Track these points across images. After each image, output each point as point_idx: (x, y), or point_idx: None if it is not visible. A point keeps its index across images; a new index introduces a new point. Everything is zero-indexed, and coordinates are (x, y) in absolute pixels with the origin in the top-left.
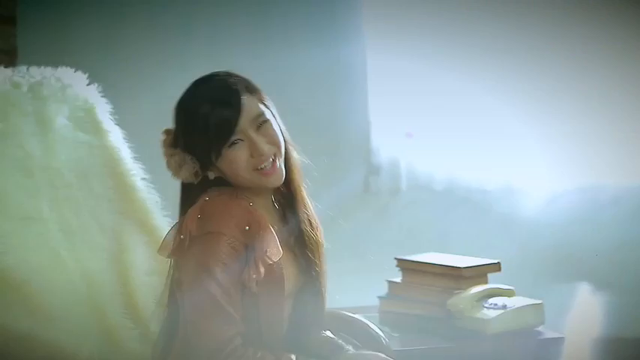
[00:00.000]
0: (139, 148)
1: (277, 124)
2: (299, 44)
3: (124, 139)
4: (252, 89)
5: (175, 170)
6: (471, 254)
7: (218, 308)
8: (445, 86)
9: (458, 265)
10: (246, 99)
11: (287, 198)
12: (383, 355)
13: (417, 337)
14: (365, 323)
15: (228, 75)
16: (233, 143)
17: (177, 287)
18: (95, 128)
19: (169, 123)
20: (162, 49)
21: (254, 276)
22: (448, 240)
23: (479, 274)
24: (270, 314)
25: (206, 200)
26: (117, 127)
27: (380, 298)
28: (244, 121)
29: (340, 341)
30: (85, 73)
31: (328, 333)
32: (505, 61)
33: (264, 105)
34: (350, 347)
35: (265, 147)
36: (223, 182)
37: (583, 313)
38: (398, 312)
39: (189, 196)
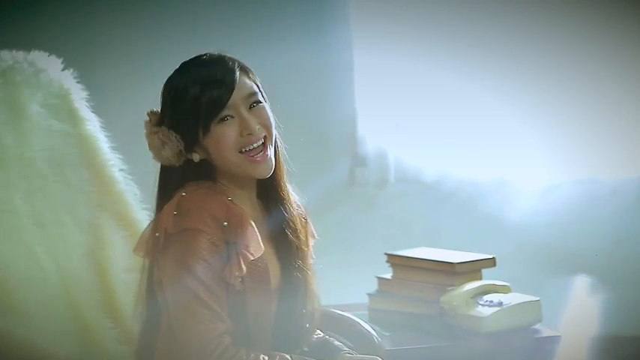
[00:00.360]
0: (116, 137)
1: (268, 109)
2: (285, 33)
3: (101, 127)
4: (246, 69)
5: (157, 149)
6: (463, 249)
7: (202, 306)
8: (434, 79)
9: (451, 261)
10: (239, 76)
11: (270, 192)
12: (379, 359)
13: (408, 336)
14: (356, 321)
15: (222, 54)
16: (222, 119)
17: (158, 287)
18: (71, 116)
19: (149, 110)
20: (142, 33)
21: (236, 273)
22: (439, 234)
23: (473, 269)
24: (257, 311)
25: (182, 195)
26: (93, 115)
27: (369, 295)
28: (236, 97)
29: (337, 343)
30: (59, 57)
31: (322, 336)
32: (495, 53)
33: (257, 87)
34: (346, 349)
35: (256, 126)
36: (203, 177)
37: (580, 310)
38: (388, 310)
39: (167, 188)
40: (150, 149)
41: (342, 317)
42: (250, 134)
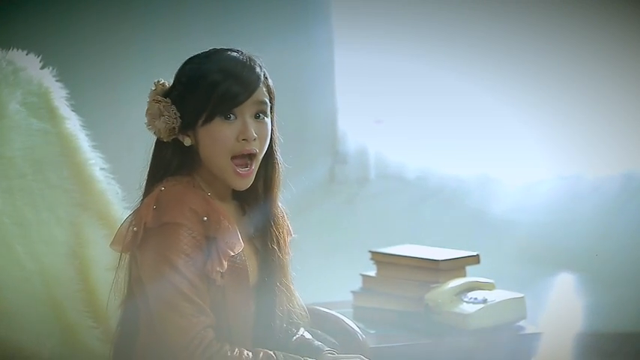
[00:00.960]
0: (97, 135)
1: (270, 126)
2: (264, 27)
3: (82, 126)
4: (267, 79)
5: (153, 118)
6: (447, 246)
7: (185, 300)
8: (417, 77)
9: (435, 258)
10: (260, 85)
11: (250, 193)
12: (363, 358)
13: (393, 333)
14: (340, 318)
15: (253, 57)
16: (227, 117)
17: (137, 283)
18: (50, 114)
19: (130, 109)
20: (123, 31)
21: (217, 268)
22: (422, 231)
23: (457, 266)
24: (237, 307)
25: (162, 190)
26: (73, 114)
27: (353, 292)
28: (249, 103)
29: (317, 343)
30: (38, 55)
31: (306, 334)
32: (484, 50)
33: (269, 99)
34: (327, 349)
35: (253, 136)
36: (184, 170)
37: (563, 306)
38: (373, 307)
39: (156, 174)
40: (146, 115)
41: (327, 314)
42: (246, 140)
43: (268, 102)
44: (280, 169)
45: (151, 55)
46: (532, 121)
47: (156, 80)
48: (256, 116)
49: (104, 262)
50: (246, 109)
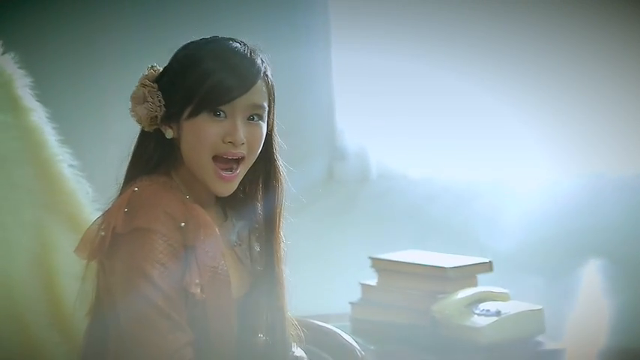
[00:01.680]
0: (66, 129)
1: (265, 130)
2: (258, 21)
3: (48, 118)
4: (267, 76)
5: (136, 103)
6: (456, 252)
7: (161, 316)
8: (415, 69)
9: (443, 265)
10: (259, 82)
11: (233, 195)
12: None
13: (395, 349)
14: (337, 333)
15: (255, 49)
16: (215, 113)
17: (106, 295)
18: (12, 105)
19: (103, 99)
20: (94, 13)
21: (197, 281)
22: (429, 236)
23: (467, 274)
24: (218, 323)
25: (134, 191)
26: (39, 104)
27: (352, 304)
28: (242, 101)
29: None
30: None
31: (297, 351)
32: (491, 49)
33: (269, 100)
34: None
35: (242, 140)
36: (161, 170)
37: (587, 319)
38: (373, 320)
39: (137, 164)
40: (130, 99)
41: (322, 328)
42: (232, 143)
43: (266, 106)
44: (284, 182)
45: (125, 42)
46: (542, 120)
47: (149, 66)
48: (250, 118)
49: (73, 270)
50: (239, 109)
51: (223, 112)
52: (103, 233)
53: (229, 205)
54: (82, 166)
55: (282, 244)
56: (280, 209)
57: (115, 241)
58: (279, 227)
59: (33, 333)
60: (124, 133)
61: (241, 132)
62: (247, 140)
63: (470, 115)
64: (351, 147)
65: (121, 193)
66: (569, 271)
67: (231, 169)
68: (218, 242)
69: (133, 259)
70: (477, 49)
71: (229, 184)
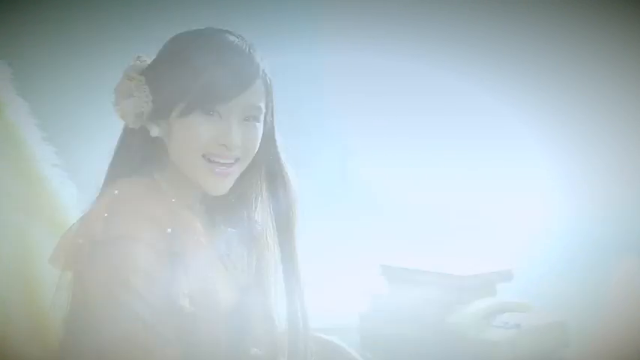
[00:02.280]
0: (48, 125)
1: (261, 131)
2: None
3: (29, 113)
4: (266, 75)
5: (120, 97)
6: (474, 259)
7: (146, 330)
8: (415, 69)
9: (459, 273)
10: (257, 81)
11: (222, 200)
12: None
13: None
14: (341, 347)
15: (252, 47)
16: (208, 112)
17: (83, 309)
18: None
19: (89, 92)
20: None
21: (185, 291)
22: (443, 241)
23: (485, 283)
24: (206, 336)
25: (115, 194)
26: (18, 98)
27: (361, 315)
28: (238, 102)
29: None
30: None
31: None
32: (491, 49)
33: (267, 100)
34: None
35: (236, 142)
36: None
37: (615, 332)
38: (384, 333)
39: (118, 163)
40: (114, 92)
41: (325, 342)
42: (224, 145)
43: (263, 107)
44: (293, 185)
45: (112, 31)
46: (542, 120)
47: (136, 55)
48: (245, 119)
49: (55, 280)
50: (235, 109)
51: (217, 112)
52: (80, 241)
53: (218, 211)
54: (67, 165)
55: (297, 250)
56: (293, 212)
57: (94, 250)
58: (293, 231)
59: (11, 349)
60: (113, 130)
61: (236, 134)
62: (242, 142)
63: (466, 115)
64: (353, 147)
65: (100, 196)
66: (598, 279)
67: (224, 166)
68: (207, 250)
69: (114, 269)
70: (477, 49)
71: (224, 181)
